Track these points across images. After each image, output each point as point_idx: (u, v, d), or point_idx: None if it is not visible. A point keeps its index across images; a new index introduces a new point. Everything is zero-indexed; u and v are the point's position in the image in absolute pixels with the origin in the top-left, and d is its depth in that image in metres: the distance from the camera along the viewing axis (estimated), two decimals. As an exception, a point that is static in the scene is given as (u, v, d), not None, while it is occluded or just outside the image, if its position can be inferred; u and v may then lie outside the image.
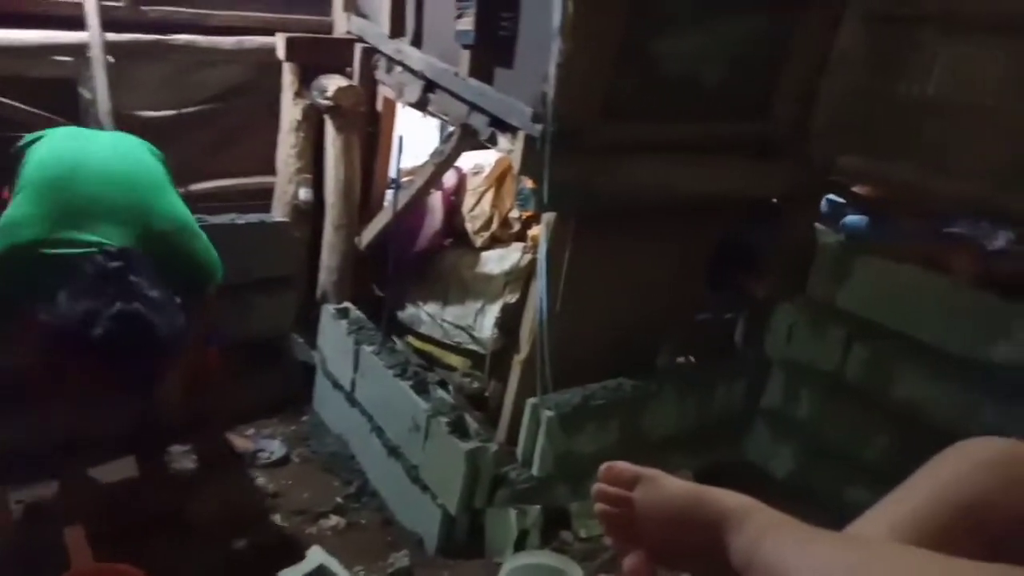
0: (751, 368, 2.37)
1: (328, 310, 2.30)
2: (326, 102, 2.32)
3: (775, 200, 2.36)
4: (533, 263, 2.04)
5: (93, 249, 1.47)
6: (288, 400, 2.40)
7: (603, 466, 0.78)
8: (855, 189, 2.35)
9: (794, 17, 2.04)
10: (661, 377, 2.16)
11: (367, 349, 2.12)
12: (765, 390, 2.37)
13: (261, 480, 2.08)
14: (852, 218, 2.39)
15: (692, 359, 2.45)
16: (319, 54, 2.44)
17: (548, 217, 1.84)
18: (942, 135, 1.98)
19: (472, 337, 2.30)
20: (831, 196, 2.45)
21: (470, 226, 2.49)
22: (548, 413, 1.85)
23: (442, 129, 3.01)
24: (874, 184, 2.27)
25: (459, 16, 1.90)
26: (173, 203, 1.66)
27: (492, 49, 1.89)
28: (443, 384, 2.19)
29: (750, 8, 1.96)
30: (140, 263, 1.48)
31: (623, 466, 0.78)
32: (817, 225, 2.37)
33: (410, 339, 2.46)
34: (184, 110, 2.52)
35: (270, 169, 2.57)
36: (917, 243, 2.15)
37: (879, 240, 2.25)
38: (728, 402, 2.33)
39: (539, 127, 1.70)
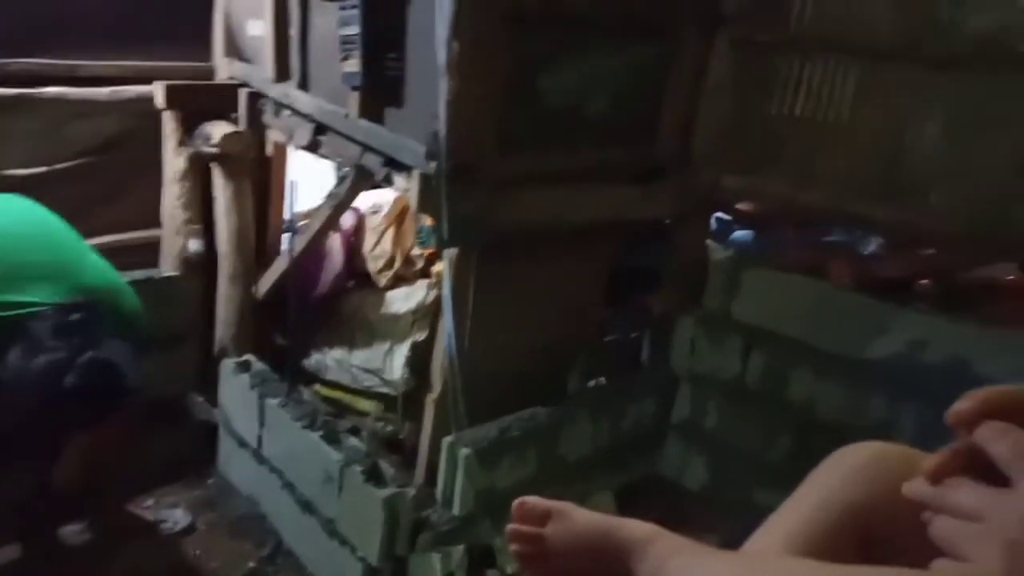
0: (659, 384, 2.44)
1: (228, 365, 2.21)
2: (212, 150, 2.24)
3: (667, 221, 2.46)
4: (439, 300, 2.03)
5: (36, 308, 1.44)
6: (190, 464, 2.27)
7: (515, 503, 0.79)
8: (739, 206, 2.49)
9: (670, 47, 2.15)
10: (574, 402, 2.19)
11: (272, 402, 2.04)
12: (674, 404, 2.45)
13: (166, 553, 1.95)
14: (740, 233, 2.52)
15: (603, 380, 2.50)
16: (201, 101, 2.36)
17: (450, 253, 1.85)
18: (809, 151, 2.13)
19: (382, 380, 2.26)
20: (719, 214, 2.57)
21: (372, 266, 2.45)
22: (465, 451, 1.84)
23: (338, 170, 2.97)
24: (755, 200, 2.41)
25: (345, 58, 1.89)
26: (95, 258, 1.64)
27: (381, 89, 1.89)
28: (355, 431, 2.13)
29: (626, 42, 2.05)
30: (97, 314, 1.45)
31: (534, 502, 0.80)
32: (708, 242, 2.48)
33: (318, 387, 2.39)
34: (57, 165, 2.38)
35: (156, 222, 2.46)
36: (799, 253, 2.29)
37: (765, 252, 2.38)
38: (640, 419, 2.39)
39: (433, 164, 1.71)
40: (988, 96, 1.74)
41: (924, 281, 2.06)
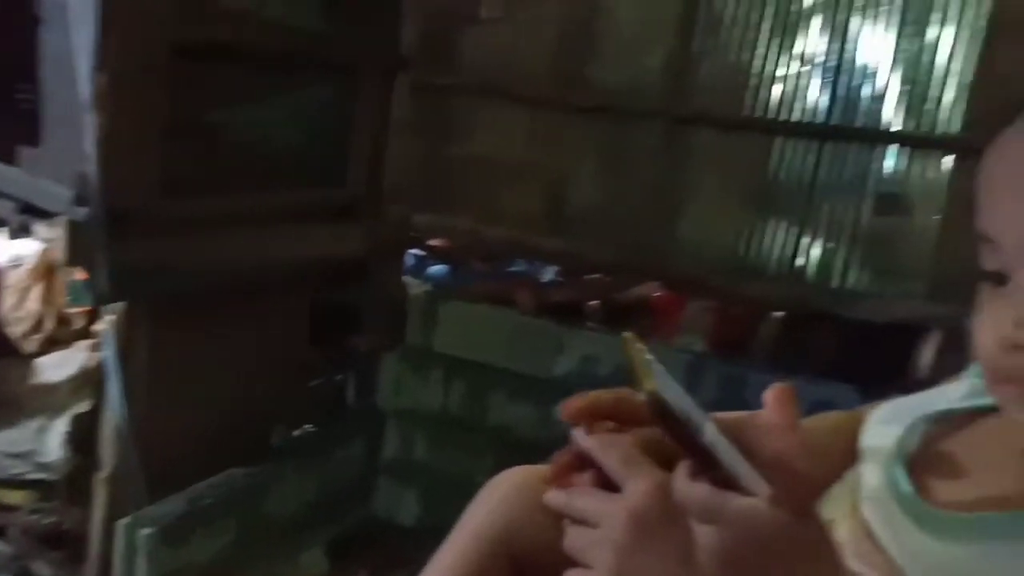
0: (367, 424, 2.41)
1: None
2: None
3: (363, 260, 2.46)
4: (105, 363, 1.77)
5: None
6: None
7: None
8: (433, 242, 2.58)
9: (352, 86, 2.17)
10: (277, 456, 2.06)
11: None
12: (383, 443, 2.43)
13: None
14: (435, 268, 2.62)
15: (311, 428, 2.39)
16: None
17: (114, 309, 1.63)
18: (490, 189, 2.29)
19: (36, 464, 1.90)
20: (414, 251, 2.64)
21: (15, 330, 2.07)
22: (146, 531, 1.61)
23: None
24: (445, 236, 2.52)
25: (-42, 86, 1.58)
26: None
27: (11, 126, 1.61)
28: (1, 532, 1.76)
29: (306, 80, 2.02)
30: None
31: None
32: (406, 278, 2.54)
33: (-54, 484, 1.93)
34: None
35: None
36: (489, 284, 2.44)
37: (459, 285, 2.49)
38: (349, 464, 2.33)
39: (85, 210, 1.49)
40: (625, 140, 2.04)
41: (593, 303, 2.32)
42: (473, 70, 2.21)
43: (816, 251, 2.33)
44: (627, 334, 0.48)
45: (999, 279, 0.49)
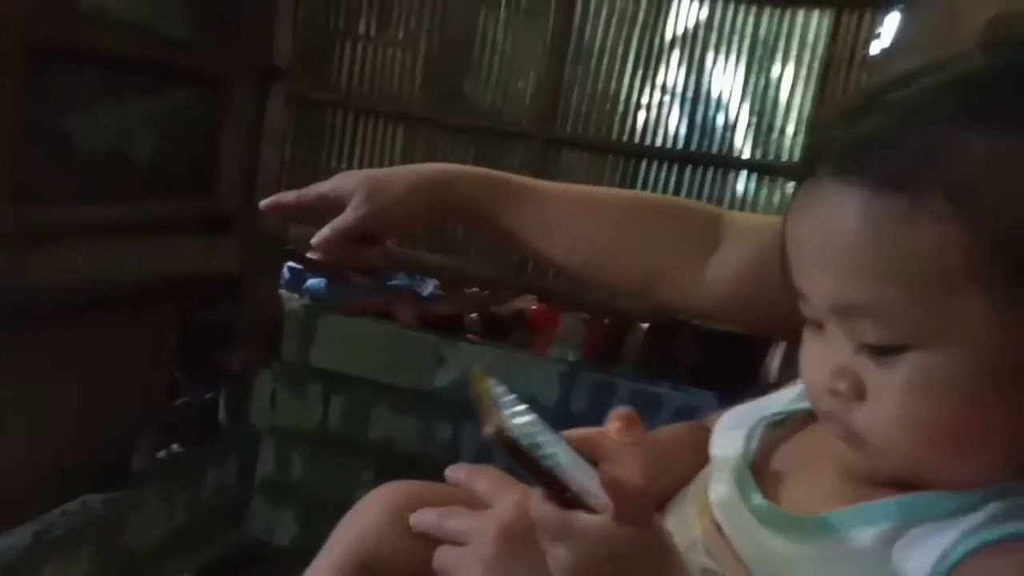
0: (240, 444, 2.32)
1: None
2: None
3: (237, 273, 2.38)
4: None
5: None
6: None
7: None
8: (309, 255, 2.53)
9: (222, 95, 2.10)
10: (139, 480, 1.95)
11: None
12: (258, 462, 2.35)
13: None
14: (313, 281, 2.57)
15: (178, 448, 2.28)
16: None
17: (-51, 326, 1.49)
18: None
19: None
20: (291, 264, 2.58)
21: None
22: (-14, 568, 1.48)
23: None
24: (323, 249, 2.48)
25: None
26: None
27: None
28: None
29: (172, 86, 1.94)
30: None
31: None
32: (282, 292, 2.47)
33: None
34: None
35: None
36: (369, 297, 2.43)
37: (338, 299, 2.46)
38: (222, 485, 2.24)
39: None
40: (500, 160, 2.10)
41: (472, 315, 2.36)
42: (350, 85, 2.21)
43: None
44: (477, 370, 0.50)
45: (817, 324, 0.51)
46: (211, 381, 2.47)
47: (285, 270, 2.53)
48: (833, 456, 0.54)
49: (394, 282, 2.53)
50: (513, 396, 0.50)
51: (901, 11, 2.38)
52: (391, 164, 2.33)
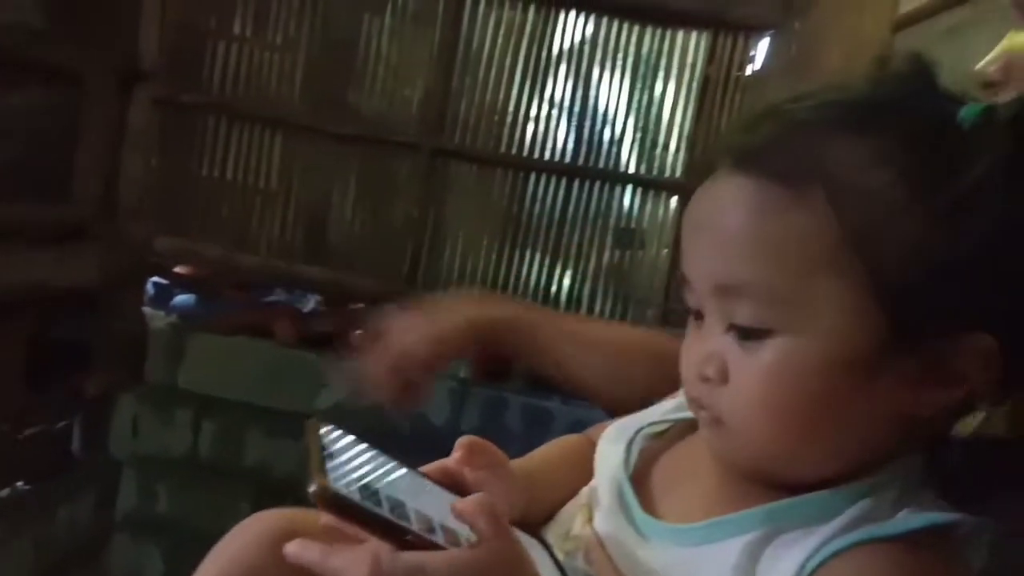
0: (98, 476, 2.14)
1: None
2: None
3: (95, 287, 2.19)
4: None
5: None
6: None
7: None
8: (178, 269, 2.37)
9: (81, 95, 1.93)
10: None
11: None
12: (118, 496, 2.17)
13: None
14: (181, 298, 2.40)
15: (24, 486, 2.06)
16: None
17: None
18: (244, 214, 2.16)
19: None
20: (156, 278, 2.41)
21: None
22: None
23: None
24: (192, 263, 2.33)
25: None
26: None
27: None
28: None
29: (21, 82, 1.77)
30: None
31: None
32: (145, 309, 2.30)
33: None
34: None
35: None
36: (243, 314, 2.29)
37: (209, 316, 2.31)
38: (76, 522, 2.05)
39: None
40: (385, 170, 2.04)
41: (357, 332, 2.27)
42: (223, 88, 2.08)
43: (567, 280, 2.52)
44: (311, 420, 0.50)
45: (698, 315, 0.54)
46: (65, 407, 2.26)
47: (150, 285, 2.35)
48: (710, 464, 0.56)
49: (271, 298, 2.40)
50: (352, 439, 0.49)
51: (771, 37, 2.52)
52: (268, 173, 2.23)
